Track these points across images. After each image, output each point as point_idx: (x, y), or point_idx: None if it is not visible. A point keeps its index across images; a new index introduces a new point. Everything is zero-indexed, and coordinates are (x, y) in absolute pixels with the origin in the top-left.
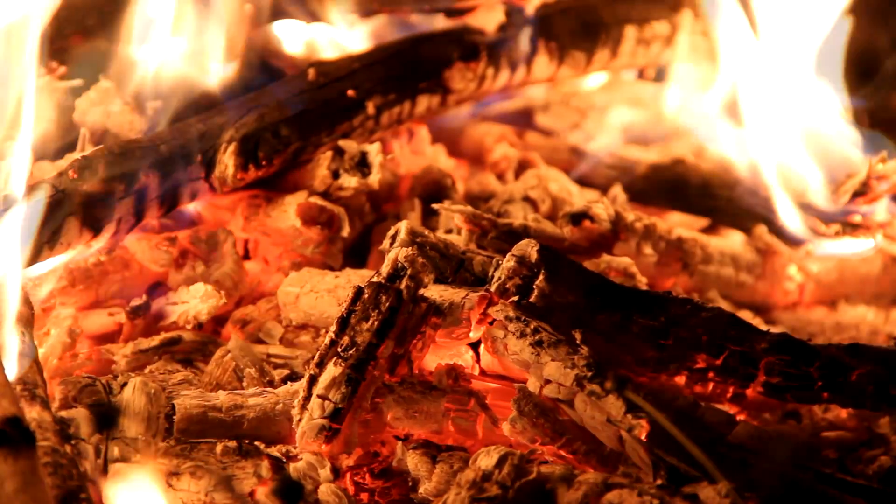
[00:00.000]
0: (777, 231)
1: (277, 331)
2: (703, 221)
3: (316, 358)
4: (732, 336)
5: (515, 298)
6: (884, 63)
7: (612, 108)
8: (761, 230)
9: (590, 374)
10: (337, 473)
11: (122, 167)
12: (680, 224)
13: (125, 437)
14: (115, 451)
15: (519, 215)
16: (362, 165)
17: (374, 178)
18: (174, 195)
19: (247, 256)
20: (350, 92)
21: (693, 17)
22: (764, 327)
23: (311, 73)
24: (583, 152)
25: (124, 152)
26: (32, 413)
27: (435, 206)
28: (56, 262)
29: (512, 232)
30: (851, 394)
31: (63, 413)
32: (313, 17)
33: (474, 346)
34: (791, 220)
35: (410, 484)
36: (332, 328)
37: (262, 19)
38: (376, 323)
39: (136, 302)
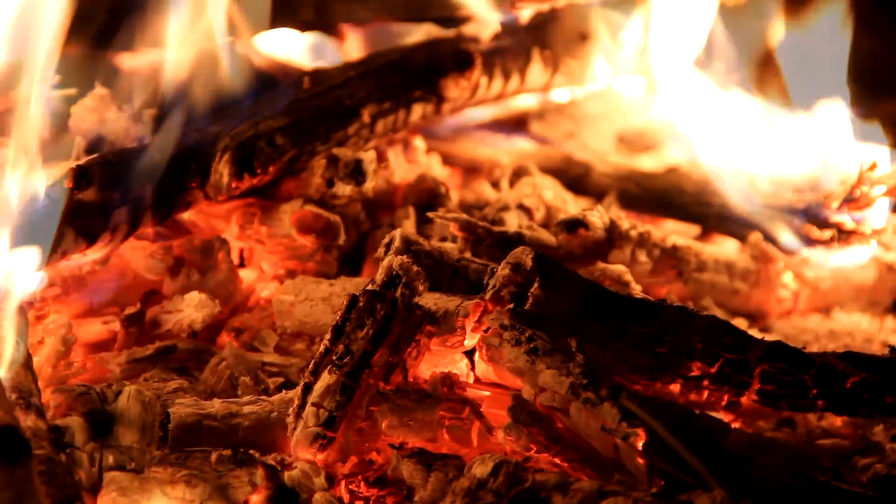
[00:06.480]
0: (771, 238)
1: (272, 339)
2: (698, 229)
3: (311, 366)
4: (727, 344)
5: (510, 306)
6: (878, 69)
7: (607, 116)
8: (756, 237)
9: (585, 381)
10: (332, 482)
11: (117, 176)
12: (674, 232)
13: (120, 445)
14: (110, 459)
15: (513, 223)
16: (357, 173)
17: (369, 186)
18: (169, 204)
19: (241, 265)
20: (346, 101)
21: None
22: (758, 335)
23: (306, 81)
24: (577, 160)
25: (119, 161)
26: (28, 422)
27: (429, 214)
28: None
29: (506, 240)
30: (846, 402)
31: (58, 421)
32: (308, 25)
33: (469, 353)
34: (785, 226)
35: (405, 492)
36: (327, 336)
37: (258, 28)
38: (371, 331)
39: (130, 310)
